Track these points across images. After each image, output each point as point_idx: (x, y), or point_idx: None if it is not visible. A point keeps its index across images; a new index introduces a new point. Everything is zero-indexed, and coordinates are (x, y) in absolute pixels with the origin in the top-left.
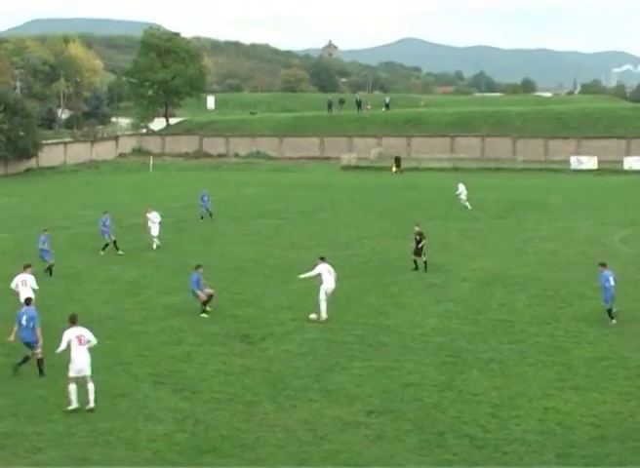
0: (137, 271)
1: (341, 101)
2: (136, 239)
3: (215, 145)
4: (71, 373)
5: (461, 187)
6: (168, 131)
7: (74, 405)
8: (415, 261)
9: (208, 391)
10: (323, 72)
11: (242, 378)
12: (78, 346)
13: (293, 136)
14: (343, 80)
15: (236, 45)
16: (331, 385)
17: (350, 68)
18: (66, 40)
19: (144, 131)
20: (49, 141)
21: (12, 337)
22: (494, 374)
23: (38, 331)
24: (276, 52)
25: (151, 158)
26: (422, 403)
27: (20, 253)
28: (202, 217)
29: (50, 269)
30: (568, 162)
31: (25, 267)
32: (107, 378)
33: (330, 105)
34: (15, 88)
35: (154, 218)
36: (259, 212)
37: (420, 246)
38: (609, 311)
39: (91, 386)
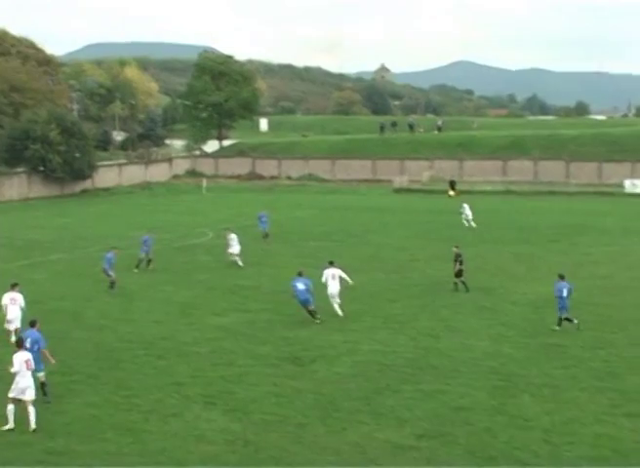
0: (189, 292)
1: (394, 124)
2: (188, 260)
3: (267, 167)
4: (12, 394)
5: (466, 207)
6: (221, 153)
7: (11, 425)
8: (455, 283)
9: (258, 412)
10: (375, 95)
11: (293, 400)
12: (26, 370)
13: (345, 158)
14: (396, 103)
15: (289, 68)
16: (381, 408)
17: (403, 91)
18: (122, 63)
19: (198, 153)
20: (104, 163)
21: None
22: (546, 399)
23: (46, 353)
24: (329, 74)
25: (204, 180)
26: (473, 427)
27: (75, 274)
28: (265, 236)
29: (113, 284)
30: (622, 185)
31: (13, 286)
32: (160, 398)
33: (382, 128)
34: (72, 110)
35: (232, 240)
36: (310, 234)
37: (459, 267)
38: (560, 319)
39: (31, 409)
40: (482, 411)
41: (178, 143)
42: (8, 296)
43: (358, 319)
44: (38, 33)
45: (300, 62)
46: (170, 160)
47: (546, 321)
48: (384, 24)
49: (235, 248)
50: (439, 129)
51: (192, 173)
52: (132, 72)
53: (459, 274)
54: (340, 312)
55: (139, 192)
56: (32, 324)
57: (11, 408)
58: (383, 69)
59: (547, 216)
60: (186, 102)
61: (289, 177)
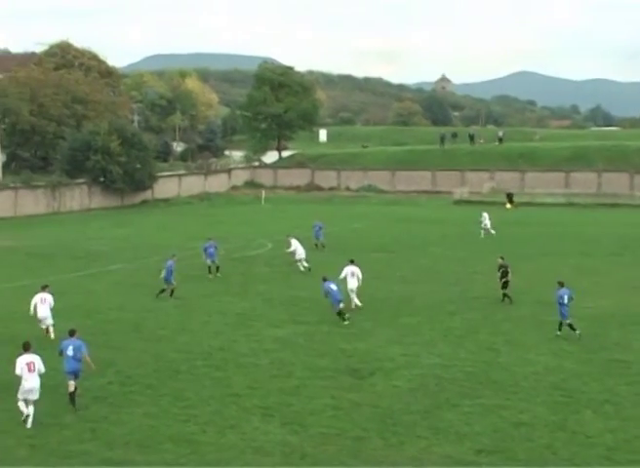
0: (247, 303)
1: (454, 135)
2: (247, 271)
3: (326, 178)
4: (19, 395)
5: (486, 217)
6: (280, 164)
7: (25, 413)
8: (504, 295)
9: (316, 425)
10: (436, 106)
11: (350, 413)
12: (28, 373)
13: (404, 169)
14: (456, 114)
15: (349, 78)
16: (440, 422)
17: (463, 102)
18: (183, 75)
19: (257, 163)
20: (164, 174)
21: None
22: (608, 416)
23: (88, 360)
24: (389, 85)
25: (263, 191)
26: (534, 443)
27: (134, 284)
28: (320, 246)
29: (172, 291)
30: None
31: (44, 287)
32: (217, 409)
33: (442, 139)
34: (132, 121)
35: (294, 245)
36: (369, 245)
37: (504, 279)
38: (561, 324)
39: (31, 409)
40: (543, 427)
41: (237, 154)
42: (39, 297)
43: (417, 332)
44: (100, 45)
45: (359, 73)
46: (229, 171)
47: (610, 336)
48: (445, 35)
49: (300, 252)
50: (500, 140)
51: (251, 183)
52: (192, 83)
53: (504, 286)
54: (358, 303)
55: (197, 203)
56: (71, 333)
57: (21, 404)
58: (444, 80)
59: (611, 229)
60: (246, 113)
61: (348, 189)
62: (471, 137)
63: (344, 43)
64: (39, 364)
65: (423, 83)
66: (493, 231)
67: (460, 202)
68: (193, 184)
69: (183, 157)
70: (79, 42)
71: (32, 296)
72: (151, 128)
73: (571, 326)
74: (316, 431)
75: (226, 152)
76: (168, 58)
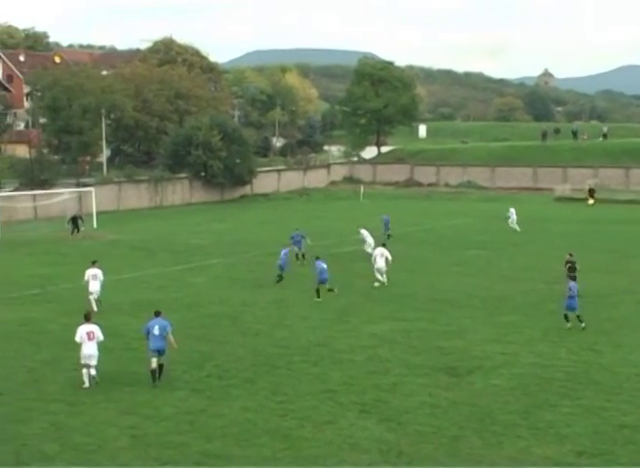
0: (345, 299)
1: (556, 131)
2: (345, 267)
3: (425, 174)
4: (82, 361)
5: (513, 212)
6: (379, 159)
7: (86, 384)
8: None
9: (413, 423)
10: (538, 101)
11: (448, 411)
12: (87, 341)
13: (505, 165)
14: (559, 109)
15: (449, 73)
16: (540, 423)
17: (566, 97)
18: (284, 70)
19: (356, 159)
20: (263, 169)
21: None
22: None
23: (171, 339)
24: (490, 80)
25: (362, 186)
26: (637, 446)
27: (233, 278)
28: (388, 237)
29: (280, 278)
30: None
31: (93, 263)
32: (314, 405)
33: (544, 135)
34: (233, 117)
35: (366, 236)
36: (468, 242)
37: (572, 275)
38: (566, 315)
39: (92, 371)
40: None
41: (336, 150)
42: (90, 272)
43: (517, 330)
44: (203, 41)
45: (460, 68)
46: (328, 166)
47: None
48: (548, 29)
49: (369, 243)
50: (604, 136)
51: (350, 179)
52: (292, 78)
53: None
54: (385, 280)
55: (296, 198)
56: (157, 313)
57: (84, 371)
58: (547, 74)
59: None
60: (345, 109)
61: (447, 185)
62: (574, 133)
63: (445, 38)
64: (98, 333)
65: (525, 78)
66: (518, 228)
67: (561, 199)
68: (292, 180)
69: (283, 152)
70: (182, 38)
71: (134, 289)
72: (251, 123)
73: (579, 317)
74: (413, 429)
75: (325, 147)
76: (268, 53)
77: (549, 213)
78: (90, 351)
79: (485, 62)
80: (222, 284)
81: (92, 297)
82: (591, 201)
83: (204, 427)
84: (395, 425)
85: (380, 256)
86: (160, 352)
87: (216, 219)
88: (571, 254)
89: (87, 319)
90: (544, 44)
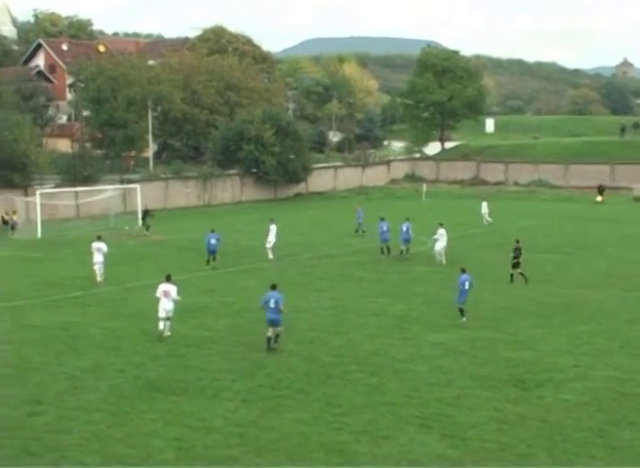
0: (405, 305)
1: (636, 125)
2: (405, 271)
3: (492, 172)
4: (160, 314)
5: (484, 205)
6: (443, 156)
7: (159, 331)
8: (511, 275)
9: (478, 439)
10: (616, 93)
11: (515, 427)
12: (164, 298)
13: (579, 163)
14: (639, 101)
15: (519, 63)
16: (616, 441)
17: None
18: (341, 60)
19: (418, 155)
20: (319, 166)
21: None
22: None
23: (281, 312)
24: (564, 70)
25: (424, 184)
26: None
27: (285, 282)
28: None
29: (388, 249)
30: None
31: (99, 238)
32: (372, 418)
33: (623, 129)
34: (287, 109)
35: (441, 235)
36: (538, 245)
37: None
38: (460, 310)
39: (168, 323)
40: None
41: (396, 145)
42: (96, 245)
43: (591, 341)
44: (255, 29)
45: (531, 57)
46: (388, 163)
47: None
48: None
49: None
50: None
51: (411, 177)
52: (350, 69)
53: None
54: (444, 261)
55: (354, 197)
56: (273, 287)
57: (161, 324)
58: (626, 64)
59: None
60: (407, 101)
61: (516, 183)
62: None
63: (515, 25)
64: (174, 292)
65: (602, 68)
66: (490, 220)
67: None
68: (350, 177)
69: (340, 148)
70: (233, 26)
71: (181, 292)
72: (306, 116)
73: (461, 310)
74: (478, 445)
75: (385, 143)
76: (325, 41)
77: (628, 213)
78: (165, 306)
79: (558, 51)
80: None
81: (96, 268)
82: (599, 198)
83: (254, 440)
84: (458, 441)
85: (441, 236)
86: (274, 323)
87: (268, 219)
88: (517, 241)
89: (167, 279)
90: (623, 31)
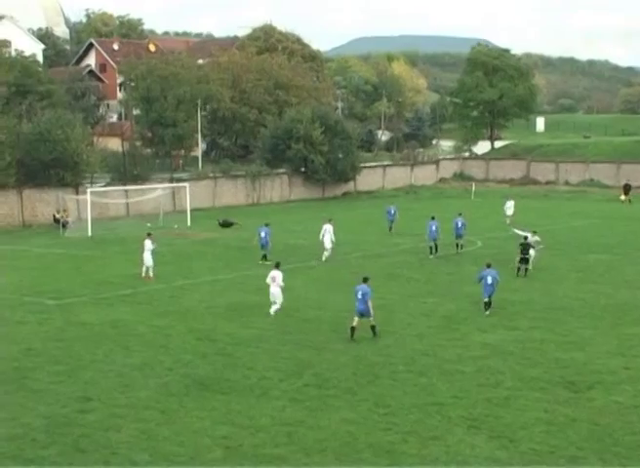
0: (453, 305)
1: None
2: (454, 271)
3: (543, 171)
4: (270, 298)
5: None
6: (492, 155)
7: (271, 312)
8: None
9: (527, 441)
10: None
11: (565, 430)
12: (272, 284)
13: (632, 162)
14: None
15: (571, 61)
16: None
17: None
18: (390, 58)
19: (467, 154)
20: (367, 165)
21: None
22: None
23: (370, 304)
24: (616, 68)
25: (473, 184)
26: None
27: (333, 281)
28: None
29: (436, 247)
30: None
31: (149, 234)
32: (419, 418)
33: None
34: (336, 108)
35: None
36: (589, 246)
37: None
38: (485, 303)
39: (275, 306)
40: None
41: (446, 144)
42: (147, 242)
43: None
44: (304, 28)
45: (583, 55)
46: (437, 162)
47: None
48: None
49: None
50: None
51: (460, 176)
52: (399, 68)
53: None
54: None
55: (402, 196)
56: (365, 280)
57: (273, 305)
58: None
59: None
60: (456, 100)
61: (567, 183)
62: None
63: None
64: (279, 278)
65: None
66: (508, 221)
67: None
68: (398, 176)
69: (389, 147)
70: (282, 25)
71: (230, 291)
72: (355, 115)
73: (486, 304)
74: (527, 447)
75: (434, 142)
76: (375, 40)
77: None
78: (273, 291)
79: (611, 49)
80: (322, 287)
81: (144, 267)
82: (623, 197)
83: (302, 440)
84: (507, 443)
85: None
86: (362, 314)
87: (316, 218)
88: (526, 238)
89: (276, 266)
90: None
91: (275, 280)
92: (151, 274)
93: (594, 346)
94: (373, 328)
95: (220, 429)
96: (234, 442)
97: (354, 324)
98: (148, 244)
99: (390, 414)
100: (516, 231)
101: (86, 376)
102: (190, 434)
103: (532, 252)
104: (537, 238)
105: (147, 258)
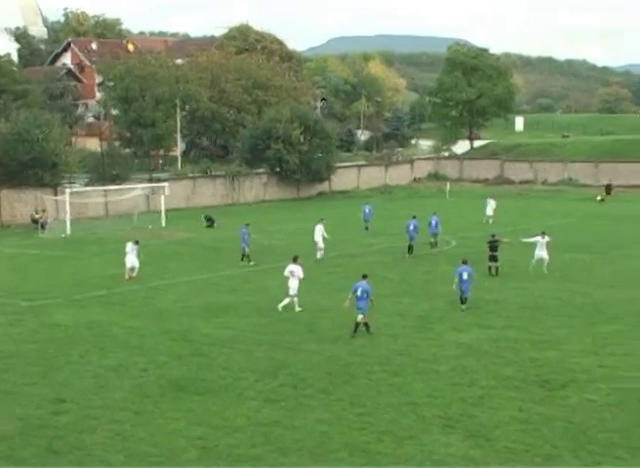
0: (428, 305)
1: None
2: (428, 270)
3: (518, 171)
4: (289, 292)
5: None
6: (470, 154)
7: (283, 303)
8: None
9: (502, 439)
10: None
11: (540, 428)
12: (291, 277)
13: (610, 161)
14: None
15: (549, 61)
16: None
17: None
18: (367, 58)
19: (446, 154)
20: (342, 165)
21: (347, 303)
22: None
23: (369, 301)
24: (594, 68)
25: (448, 184)
26: None
27: (308, 281)
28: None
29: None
30: None
31: (136, 242)
32: (395, 418)
33: None
34: (315, 108)
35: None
36: (566, 245)
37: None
38: (460, 299)
39: (295, 299)
40: None
41: (425, 144)
42: (130, 246)
43: (616, 342)
44: (281, 28)
45: (561, 55)
46: (411, 162)
47: None
48: None
49: (542, 253)
50: None
51: (435, 176)
52: (376, 67)
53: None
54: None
55: (377, 196)
56: (364, 276)
57: (287, 299)
58: None
59: None
60: (435, 100)
61: (544, 182)
62: None
63: (546, 22)
64: (299, 272)
65: (632, 65)
66: (490, 220)
67: None
68: (373, 176)
69: (368, 146)
70: (259, 25)
71: (205, 291)
72: (334, 115)
73: (462, 299)
74: (502, 446)
75: (413, 141)
76: (352, 40)
77: None
78: (291, 284)
79: (589, 49)
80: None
81: (129, 269)
82: (599, 197)
83: (278, 440)
84: (483, 441)
85: (540, 245)
86: (360, 310)
87: (291, 218)
88: (493, 235)
89: (294, 260)
90: None
91: (294, 273)
92: (134, 274)
93: (569, 345)
94: (366, 324)
95: (196, 430)
96: (210, 442)
97: (358, 319)
98: (132, 247)
99: (366, 414)
100: (525, 240)
101: (60, 378)
102: (165, 435)
103: (543, 254)
104: (547, 238)
105: (132, 260)
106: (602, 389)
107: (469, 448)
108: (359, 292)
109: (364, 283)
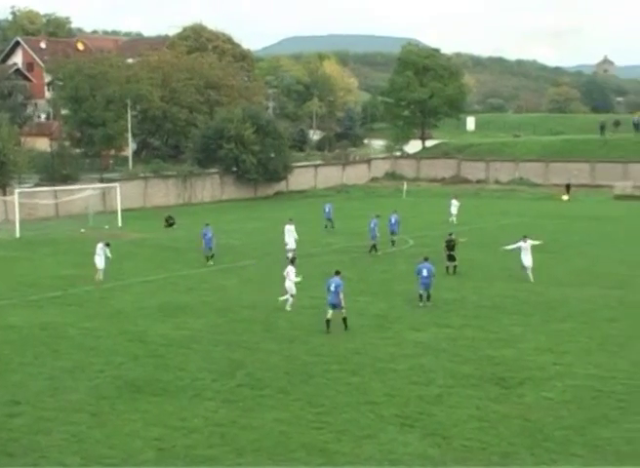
0: (386, 304)
1: (616, 123)
2: (386, 270)
3: (474, 170)
4: (288, 291)
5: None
6: (424, 154)
7: (282, 298)
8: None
9: (459, 438)
10: (596, 91)
11: (497, 426)
12: (286, 278)
13: (560, 161)
14: (620, 99)
15: (500, 61)
16: (597, 440)
17: (628, 86)
18: (321, 58)
19: (399, 153)
20: (299, 164)
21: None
22: None
23: (341, 296)
24: (544, 68)
25: (405, 183)
26: None
27: (266, 281)
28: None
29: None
30: None
31: (107, 244)
32: (353, 417)
33: (603, 128)
34: (267, 108)
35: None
36: None
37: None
38: (420, 295)
39: (290, 300)
40: None
41: (377, 143)
42: (100, 247)
43: (571, 339)
44: (234, 28)
45: (512, 55)
46: (368, 161)
47: None
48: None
49: (526, 259)
50: None
51: (392, 175)
52: (330, 67)
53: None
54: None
55: (334, 195)
56: (337, 273)
57: (285, 296)
58: (606, 62)
59: None
60: (387, 99)
61: (497, 182)
62: (636, 126)
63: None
64: (291, 274)
65: (583, 66)
66: (455, 220)
67: (621, 197)
68: (330, 175)
69: (320, 146)
70: (213, 24)
71: (161, 291)
72: (287, 115)
73: (421, 296)
74: (459, 444)
75: (366, 141)
76: (305, 40)
77: (608, 212)
78: (286, 285)
79: (540, 49)
80: (255, 287)
81: (98, 270)
82: (565, 197)
83: (235, 440)
84: (440, 440)
85: (525, 250)
86: (334, 306)
87: (248, 218)
88: (450, 234)
89: (291, 262)
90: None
91: (288, 275)
92: (101, 276)
93: (524, 343)
94: (344, 320)
95: (153, 431)
96: (167, 443)
97: (328, 316)
98: (101, 248)
99: (324, 414)
100: (507, 248)
101: (14, 380)
102: (122, 436)
103: (527, 260)
104: (532, 241)
105: (99, 262)
106: (558, 387)
107: (427, 446)
108: (332, 288)
109: (336, 278)
